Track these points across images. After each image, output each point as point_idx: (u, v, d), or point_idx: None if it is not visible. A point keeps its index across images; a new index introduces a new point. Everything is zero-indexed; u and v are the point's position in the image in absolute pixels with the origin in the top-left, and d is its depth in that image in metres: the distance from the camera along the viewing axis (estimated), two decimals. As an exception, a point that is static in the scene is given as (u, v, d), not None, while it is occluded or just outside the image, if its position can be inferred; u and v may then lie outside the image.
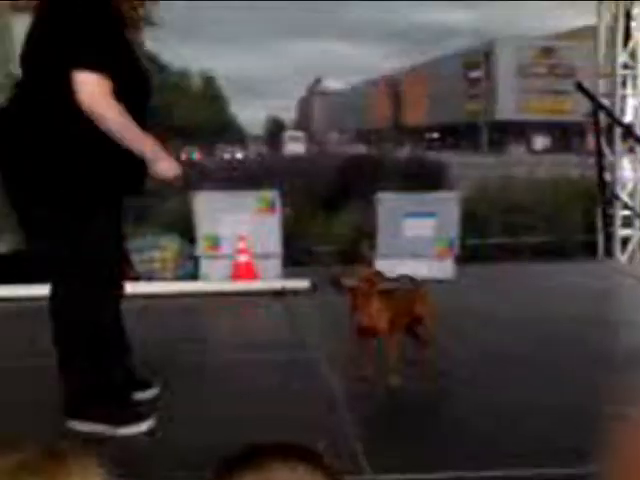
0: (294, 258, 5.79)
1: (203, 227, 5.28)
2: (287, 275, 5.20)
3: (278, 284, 4.97)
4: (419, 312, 3.25)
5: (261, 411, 2.82)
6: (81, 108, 2.43)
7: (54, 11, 2.52)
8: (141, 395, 2.97)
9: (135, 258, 5.31)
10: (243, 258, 5.20)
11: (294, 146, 45.92)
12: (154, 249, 5.54)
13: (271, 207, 5.42)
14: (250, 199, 5.39)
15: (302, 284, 4.95)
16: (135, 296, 4.66)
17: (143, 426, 2.70)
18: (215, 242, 5.30)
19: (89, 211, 2.59)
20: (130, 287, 4.86)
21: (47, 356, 2.72)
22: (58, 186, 2.54)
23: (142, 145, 2.58)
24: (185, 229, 5.60)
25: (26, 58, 2.60)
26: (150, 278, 5.12)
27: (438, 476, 2.36)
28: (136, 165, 2.61)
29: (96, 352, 2.67)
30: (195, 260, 5.36)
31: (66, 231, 2.57)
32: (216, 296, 4.83)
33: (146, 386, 3.01)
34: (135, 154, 2.57)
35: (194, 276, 5.27)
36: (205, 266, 5.30)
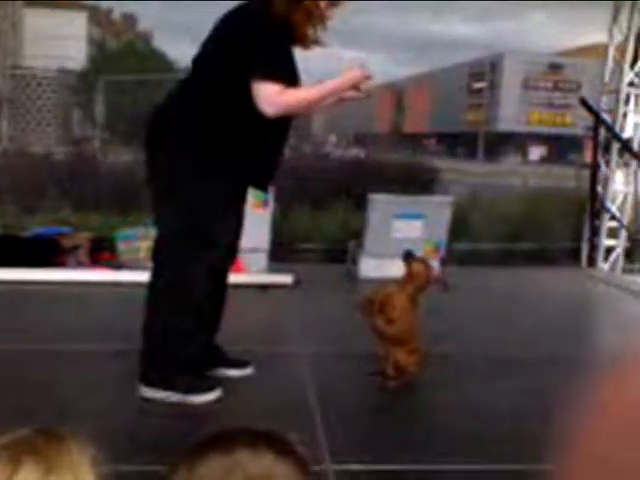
0: (281, 253, 5.80)
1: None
2: (272, 270, 5.21)
3: (262, 279, 4.98)
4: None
5: (232, 400, 2.85)
6: (252, 112, 2.67)
7: (236, 24, 2.75)
8: (237, 373, 3.14)
9: (121, 247, 5.31)
10: (229, 252, 5.18)
11: None
12: (142, 239, 5.53)
13: (264, 203, 5.43)
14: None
15: (285, 279, 4.97)
16: (119, 284, 4.69)
17: (212, 396, 2.85)
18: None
19: (216, 184, 2.75)
20: (113, 275, 4.94)
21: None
22: (202, 164, 2.74)
23: (325, 97, 2.85)
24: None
25: (200, 60, 2.83)
26: (133, 267, 5.09)
27: (395, 467, 2.37)
28: (268, 166, 2.91)
29: (182, 324, 2.82)
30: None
31: (191, 203, 2.75)
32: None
33: (243, 365, 3.17)
34: (272, 156, 2.90)
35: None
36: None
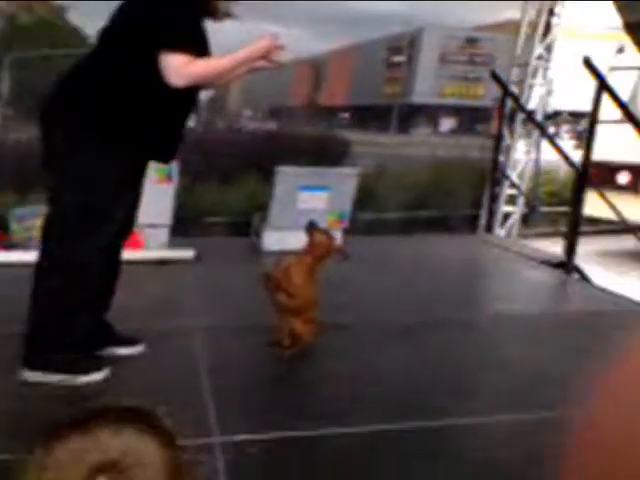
0: (184, 228, 5.71)
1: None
2: (174, 245, 5.12)
3: (161, 254, 4.88)
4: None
5: (121, 379, 2.78)
6: (159, 85, 2.61)
7: None
8: (127, 351, 3.08)
9: (14, 226, 5.09)
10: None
11: None
12: (38, 218, 5.31)
13: (167, 178, 5.30)
14: (149, 170, 5.24)
15: (186, 254, 4.89)
16: (10, 265, 4.50)
17: (99, 375, 2.79)
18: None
19: (118, 159, 2.68)
20: (3, 256, 4.73)
21: None
22: (100, 130, 2.65)
23: (235, 66, 2.80)
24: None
25: (108, 32, 2.73)
26: (26, 247, 4.89)
27: (281, 435, 2.37)
28: (173, 139, 2.86)
29: (72, 302, 2.73)
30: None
31: (91, 178, 2.66)
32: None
33: (133, 343, 3.11)
34: (177, 129, 2.85)
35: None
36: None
